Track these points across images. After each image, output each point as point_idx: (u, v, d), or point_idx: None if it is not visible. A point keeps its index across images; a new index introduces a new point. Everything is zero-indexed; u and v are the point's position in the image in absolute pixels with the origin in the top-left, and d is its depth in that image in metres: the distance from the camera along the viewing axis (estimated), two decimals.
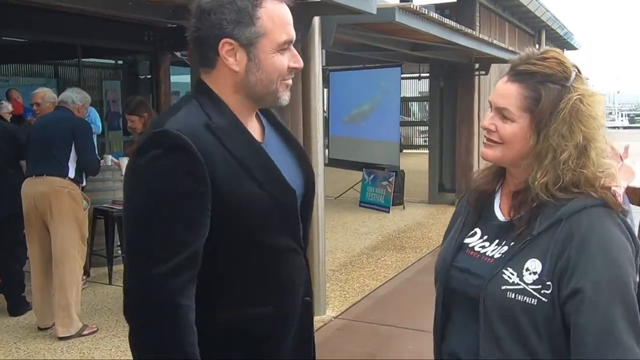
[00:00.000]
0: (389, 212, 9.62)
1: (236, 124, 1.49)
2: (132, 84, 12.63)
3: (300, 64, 1.53)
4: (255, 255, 1.49)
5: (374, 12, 4.66)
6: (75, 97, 4.78)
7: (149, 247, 1.35)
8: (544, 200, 1.41)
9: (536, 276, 1.37)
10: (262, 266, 1.51)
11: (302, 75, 5.01)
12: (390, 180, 9.81)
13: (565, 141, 1.40)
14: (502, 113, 1.46)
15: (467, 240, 1.56)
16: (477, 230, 1.57)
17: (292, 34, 1.50)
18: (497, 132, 1.47)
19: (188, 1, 4.49)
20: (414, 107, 23.10)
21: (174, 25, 10.03)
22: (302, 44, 4.92)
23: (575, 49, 22.13)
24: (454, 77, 10.48)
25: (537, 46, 16.52)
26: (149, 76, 12.11)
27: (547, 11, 14.28)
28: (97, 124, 8.95)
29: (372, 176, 10.22)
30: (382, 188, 9.94)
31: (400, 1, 10.05)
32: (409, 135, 21.63)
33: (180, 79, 14.55)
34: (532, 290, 1.37)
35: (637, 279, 1.38)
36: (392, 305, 5.52)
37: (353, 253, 7.27)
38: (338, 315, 5.15)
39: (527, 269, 1.38)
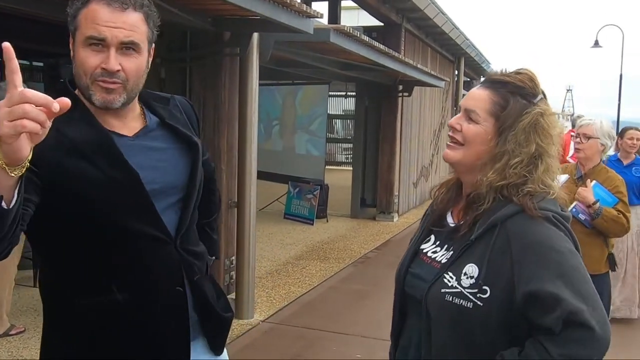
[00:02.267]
0: (313, 224, 9.89)
1: (83, 115, 1.56)
2: (56, 86, 12.40)
3: (109, 65, 1.53)
4: (105, 241, 1.56)
5: (312, 32, 4.93)
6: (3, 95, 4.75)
7: None
8: (483, 201, 1.49)
9: (473, 280, 1.42)
10: (113, 252, 1.57)
11: (240, 89, 5.22)
12: (315, 193, 10.09)
13: (520, 148, 1.48)
14: (469, 115, 1.54)
15: (422, 246, 1.64)
16: (432, 236, 1.65)
17: (104, 32, 1.52)
18: (461, 132, 1.55)
19: None
20: (338, 124, 23.56)
21: None
22: (241, 59, 5.14)
23: None
24: (379, 97, 10.92)
25: (456, 72, 17.19)
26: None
27: (467, 39, 15.04)
28: None
29: (297, 189, 10.47)
30: (307, 201, 10.20)
31: (329, 22, 10.44)
32: (332, 152, 22.03)
33: None
34: (468, 294, 1.42)
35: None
36: (316, 310, 5.77)
37: (279, 262, 7.48)
38: (265, 319, 5.35)
39: (465, 274, 1.44)
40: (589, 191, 3.35)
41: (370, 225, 10.37)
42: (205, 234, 1.95)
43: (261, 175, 12.17)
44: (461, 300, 1.43)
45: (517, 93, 1.52)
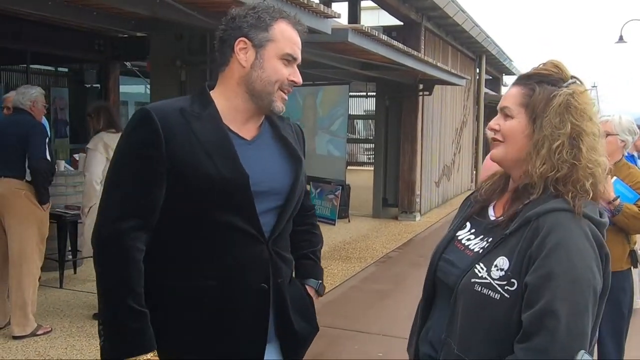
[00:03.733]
0: (334, 224, 9.89)
1: (213, 115, 1.74)
2: (80, 92, 12.56)
3: (299, 79, 1.79)
4: (204, 230, 1.71)
5: (329, 32, 4.96)
6: (21, 99, 4.77)
7: (108, 195, 1.71)
8: (532, 192, 1.51)
9: (502, 272, 1.46)
10: (210, 241, 1.71)
11: None
12: (336, 194, 10.09)
13: (558, 131, 1.50)
14: (504, 112, 1.60)
15: (458, 233, 1.69)
16: (468, 224, 1.69)
17: (298, 53, 1.78)
18: (500, 131, 1.60)
19: (152, 13, 4.73)
20: (359, 124, 23.55)
21: (125, 35, 10.13)
22: None
23: (514, 74, 23.06)
24: (399, 96, 10.91)
25: (477, 70, 17.07)
26: (98, 85, 12.10)
27: (488, 37, 14.94)
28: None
29: (318, 190, 10.48)
30: (328, 201, 10.21)
31: (349, 22, 10.46)
32: (354, 152, 22.03)
33: (130, 89, 14.54)
34: (497, 286, 1.45)
35: (600, 286, 1.43)
36: (338, 310, 5.79)
37: None
38: None
39: (496, 266, 1.47)
40: (609, 187, 3.32)
41: (392, 225, 10.37)
42: (311, 261, 2.12)
43: None
44: (489, 291, 1.46)
45: (543, 81, 1.56)
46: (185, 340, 1.72)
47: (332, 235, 9.25)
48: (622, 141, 3.46)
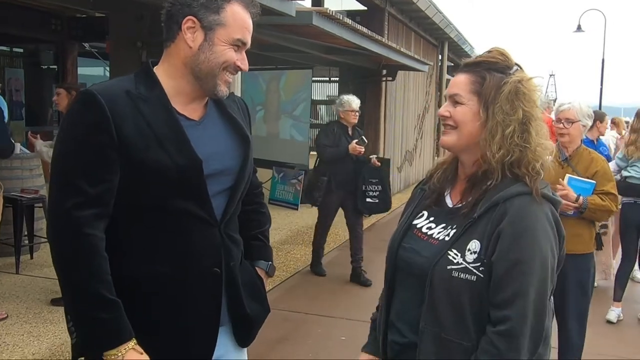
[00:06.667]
0: (297, 209, 9.88)
1: (160, 97, 1.68)
2: (36, 73, 12.24)
3: (245, 66, 1.73)
4: (156, 216, 1.67)
5: (294, 14, 4.90)
6: None
7: (59, 185, 1.62)
8: (491, 178, 1.58)
9: (475, 255, 1.52)
10: (161, 227, 1.68)
11: None
12: (299, 178, 10.07)
13: (509, 117, 1.56)
14: (454, 99, 1.63)
15: (415, 222, 1.72)
16: (425, 212, 1.72)
17: (248, 38, 1.72)
18: (451, 117, 1.63)
19: None
20: (322, 110, 23.49)
21: (83, 15, 9.87)
22: None
23: None
24: (363, 82, 10.90)
25: (439, 57, 17.17)
26: (55, 66, 11.79)
27: (450, 24, 15.03)
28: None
29: (281, 174, 10.44)
30: (291, 186, 10.19)
31: (313, 6, 10.38)
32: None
33: (89, 71, 14.22)
34: (472, 268, 1.52)
35: (555, 264, 1.54)
36: (301, 294, 5.79)
37: None
38: None
39: (469, 249, 1.53)
40: (568, 189, 3.35)
41: None
42: (260, 241, 2.09)
43: None
44: (466, 275, 1.52)
45: (491, 69, 1.62)
46: (137, 326, 1.67)
47: (295, 219, 9.24)
48: (583, 126, 3.54)
